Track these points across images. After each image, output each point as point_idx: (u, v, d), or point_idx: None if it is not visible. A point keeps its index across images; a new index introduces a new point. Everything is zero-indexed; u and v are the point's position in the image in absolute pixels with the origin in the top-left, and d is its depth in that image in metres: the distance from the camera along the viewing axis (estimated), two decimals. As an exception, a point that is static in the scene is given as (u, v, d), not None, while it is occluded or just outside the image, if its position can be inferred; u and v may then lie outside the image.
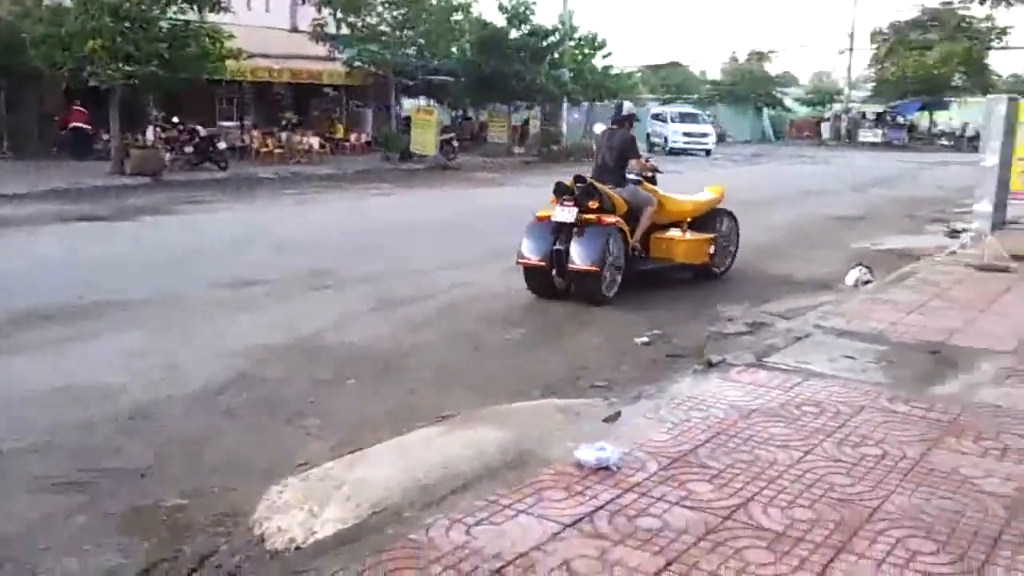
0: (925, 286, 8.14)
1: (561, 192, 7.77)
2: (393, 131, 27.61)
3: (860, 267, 8.95)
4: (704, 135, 35.96)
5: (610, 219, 7.72)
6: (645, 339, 6.56)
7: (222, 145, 21.53)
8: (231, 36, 21.55)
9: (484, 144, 32.06)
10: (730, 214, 9.26)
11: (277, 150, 24.07)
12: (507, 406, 4.86)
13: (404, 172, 23.76)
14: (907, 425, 4.43)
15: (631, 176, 8.47)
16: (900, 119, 47.22)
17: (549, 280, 7.84)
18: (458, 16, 28.79)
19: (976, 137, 42.79)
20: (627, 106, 9.02)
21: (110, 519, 3.64)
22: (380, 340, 6.48)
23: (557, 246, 7.63)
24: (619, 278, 7.81)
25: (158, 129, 21.51)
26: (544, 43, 30.19)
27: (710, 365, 5.48)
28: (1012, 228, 10.78)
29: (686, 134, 35.87)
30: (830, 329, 6.47)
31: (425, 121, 26.89)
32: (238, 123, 26.70)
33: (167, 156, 20.22)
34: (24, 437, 4.48)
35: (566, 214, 7.60)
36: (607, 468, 3.81)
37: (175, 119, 21.87)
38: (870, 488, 3.68)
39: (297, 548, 3.33)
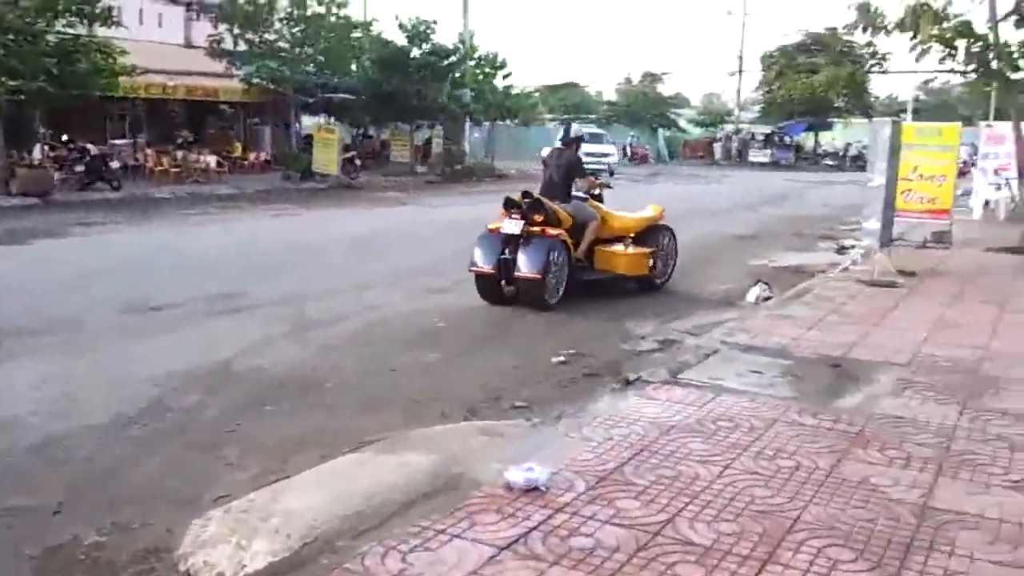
0: (821, 302, 8.52)
1: (510, 206, 8.45)
2: (293, 149, 27.21)
3: (760, 284, 9.30)
4: (604, 155, 35.57)
5: (554, 231, 8.36)
6: (561, 358, 6.65)
7: (115, 164, 20.77)
8: (123, 52, 20.91)
9: (387, 163, 31.94)
10: (669, 230, 9.94)
11: (173, 169, 23.36)
12: (432, 429, 4.86)
13: (306, 191, 23.44)
14: (817, 437, 4.64)
15: (577, 193, 9.14)
16: (787, 139, 49.27)
17: (498, 287, 8.47)
18: (358, 34, 28.67)
19: (858, 157, 45.07)
20: (575, 128, 9.94)
21: (23, 561, 3.48)
22: (296, 365, 6.38)
23: (505, 255, 8.25)
24: (562, 286, 8.43)
25: (46, 147, 20.60)
26: (445, 62, 30.32)
27: (627, 383, 5.60)
28: (898, 245, 11.39)
29: (587, 154, 35.76)
30: (736, 345, 6.71)
31: (327, 140, 26.59)
32: (131, 141, 25.82)
33: (56, 175, 19.39)
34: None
35: (513, 226, 8.28)
36: (537, 489, 3.86)
37: (64, 137, 21.03)
38: (788, 499, 3.84)
39: (227, 583, 3.26)
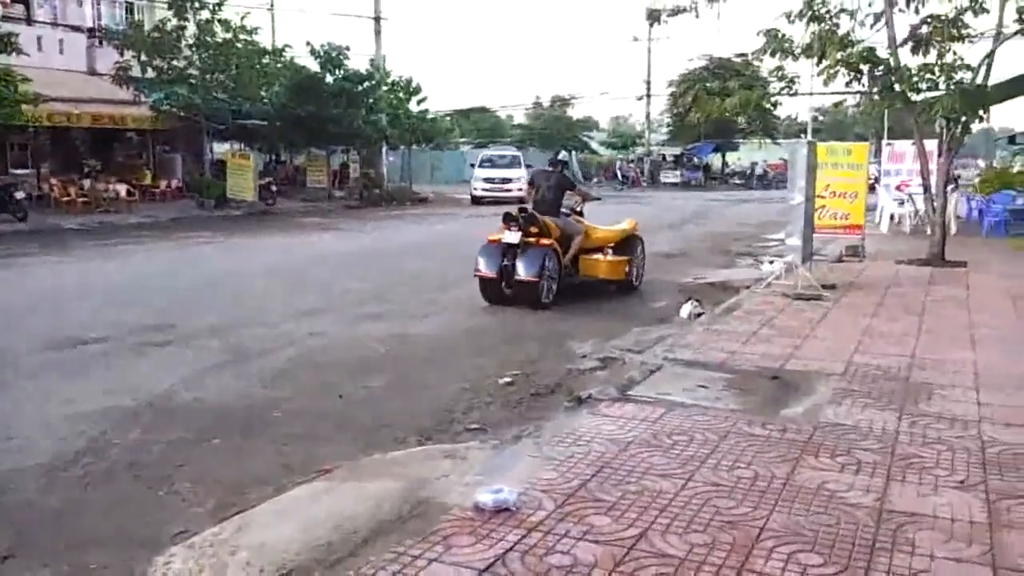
0: (752, 316, 8.77)
1: (508, 220, 9.85)
2: (206, 176, 26.64)
3: (692, 301, 9.52)
4: (506, 180, 32.56)
5: (547, 241, 9.76)
6: (507, 379, 6.67)
7: (19, 195, 19.96)
8: (25, 79, 20.19)
9: (303, 188, 31.54)
10: (641, 240, 11.45)
11: (80, 199, 22.61)
12: (391, 455, 4.82)
13: (222, 219, 22.97)
14: (769, 447, 4.76)
15: (564, 210, 10.56)
16: (696, 160, 50.67)
17: (499, 289, 9.74)
18: (268, 60, 28.33)
19: (763, 176, 46.61)
20: (562, 154, 12.05)
21: (-23, 610, 3.30)
22: (239, 396, 6.23)
23: (505, 262, 9.62)
24: (554, 288, 9.79)
25: (-56, 178, 19.74)
26: (360, 88, 30.23)
27: (579, 401, 5.66)
28: (817, 259, 11.82)
29: (486, 180, 32.78)
30: (679, 360, 6.84)
31: (241, 166, 26.16)
32: (34, 171, 24.88)
33: (-45, 208, 18.56)
34: None
35: (512, 236, 9.66)
36: (507, 509, 3.86)
37: (-37, 167, 20.15)
38: (752, 508, 3.93)
39: (202, 621, 3.16)
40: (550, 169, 10.89)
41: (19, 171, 24.77)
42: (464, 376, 6.84)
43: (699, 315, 9.10)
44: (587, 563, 3.38)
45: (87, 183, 23.35)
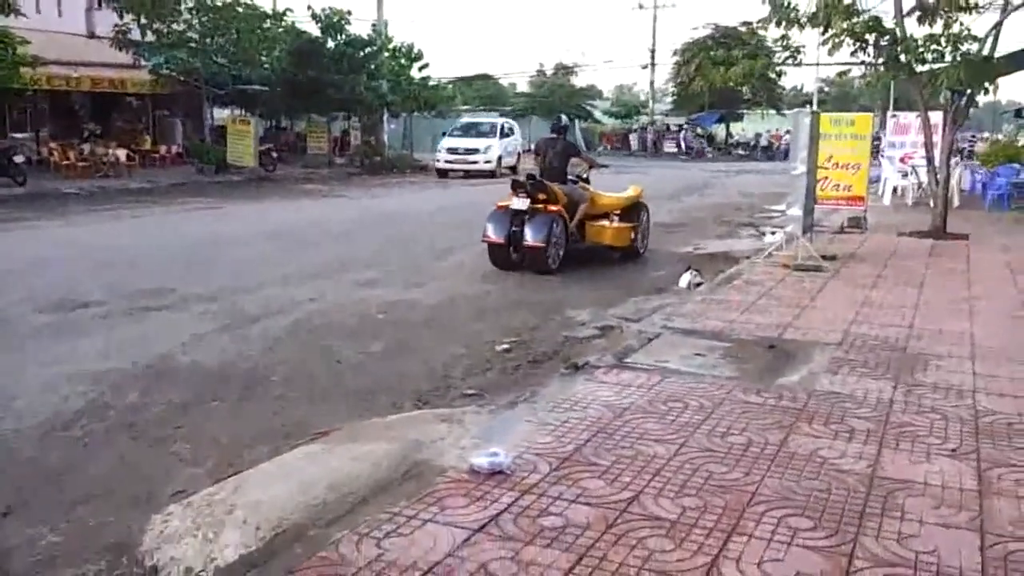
0: (751, 286, 8.77)
1: (517, 187, 9.98)
2: (206, 142, 26.53)
3: (691, 270, 9.51)
4: (472, 151, 28.60)
5: (554, 208, 9.92)
6: (505, 346, 6.69)
7: (18, 159, 19.88)
8: (24, 41, 20.03)
9: (304, 155, 31.41)
10: (646, 207, 11.52)
11: (80, 163, 22.51)
12: (388, 418, 4.84)
13: (223, 184, 22.90)
14: (763, 414, 4.79)
15: (571, 178, 10.70)
16: (700, 130, 50.39)
17: (507, 255, 9.92)
18: (269, 24, 28.10)
19: (768, 147, 46.36)
20: (563, 119, 11.74)
21: (-23, 565, 3.34)
22: (238, 359, 6.26)
23: (513, 228, 9.74)
24: (561, 254, 9.94)
25: (-58, 142, 19.67)
26: (361, 53, 29.98)
27: (576, 368, 5.68)
28: (818, 230, 11.81)
29: (450, 150, 28.91)
30: (677, 329, 6.86)
31: (242, 132, 26.03)
32: (33, 135, 24.77)
33: (-45, 170, 18.51)
34: None
35: (520, 203, 9.78)
36: (501, 472, 3.89)
37: (-38, 130, 20.06)
38: (744, 474, 3.96)
39: (198, 576, 3.20)
40: (555, 136, 10.92)
41: (18, 135, 24.68)
42: (462, 342, 6.87)
43: (698, 285, 9.11)
44: (580, 524, 3.41)
45: (86, 147, 23.24)
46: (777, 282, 9.00)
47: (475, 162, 28.38)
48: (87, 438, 4.67)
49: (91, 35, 27.64)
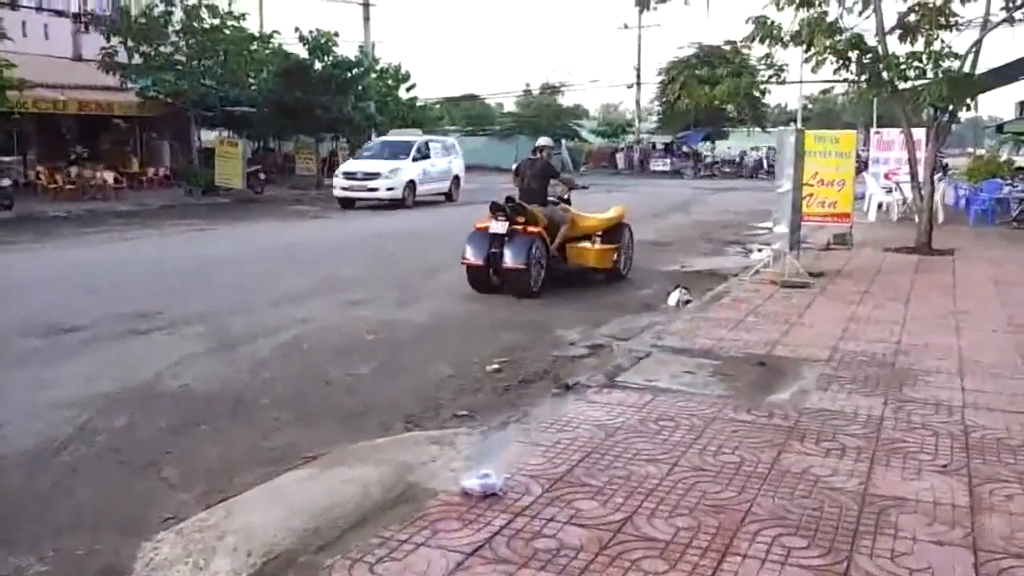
0: (739, 303, 8.80)
1: (495, 209, 9.79)
2: (194, 164, 26.50)
3: (680, 288, 9.53)
4: (371, 176, 23.03)
5: (534, 229, 9.72)
6: (495, 366, 6.68)
7: (4, 182, 19.79)
8: (10, 64, 20.00)
9: (292, 176, 31.40)
10: (629, 227, 11.33)
11: (68, 186, 22.44)
12: (378, 441, 4.82)
13: (211, 206, 22.85)
14: (755, 432, 4.79)
15: (551, 198, 10.56)
16: (686, 148, 50.66)
17: (487, 277, 9.75)
18: (256, 47, 28.16)
19: (759, 166, 46.57)
20: (541, 140, 11.43)
21: (-37, 596, 3.30)
22: (226, 382, 6.23)
23: (493, 250, 9.58)
24: (542, 276, 9.79)
25: (-72, 166, 19.58)
26: (348, 74, 30.06)
27: (567, 388, 5.67)
28: (804, 247, 11.86)
29: (347, 174, 23.70)
30: (666, 347, 6.86)
31: (230, 153, 26.02)
32: (19, 158, 24.68)
33: (-59, 195, 18.41)
34: None
35: (499, 226, 9.63)
36: (494, 494, 3.87)
37: (-53, 154, 19.98)
38: (737, 493, 3.96)
39: (189, 605, 3.17)
40: (534, 157, 10.80)
41: (5, 158, 24.57)
42: (451, 362, 6.85)
43: (687, 303, 9.13)
44: (573, 547, 3.40)
45: (74, 170, 23.18)
46: (765, 299, 9.03)
47: (374, 189, 22.82)
48: (75, 464, 4.62)
49: (78, 58, 27.63)
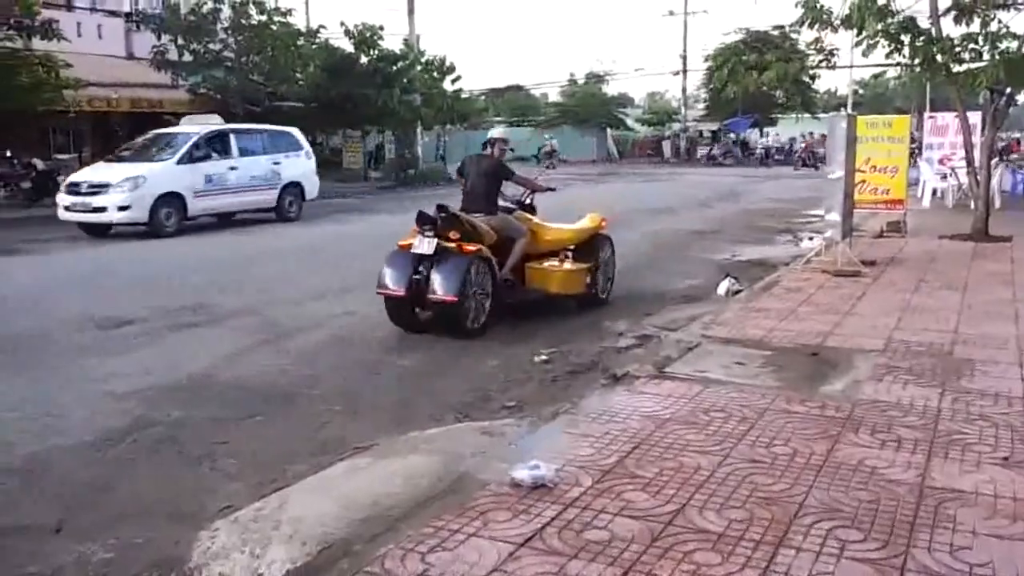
0: (790, 293, 8.68)
1: (423, 221, 7.41)
2: (244, 159, 26.83)
3: (729, 278, 9.43)
4: (97, 189, 15.37)
5: (472, 248, 7.40)
6: (544, 357, 6.68)
7: (62, 179, 20.24)
8: (66, 64, 20.47)
9: (339, 170, 31.68)
10: (609, 240, 9.07)
11: (122, 182, 22.85)
12: (427, 432, 4.85)
13: (259, 201, 23.08)
14: (807, 424, 4.73)
15: (505, 204, 8.43)
16: (733, 136, 50.05)
17: (411, 312, 7.52)
18: (303, 42, 28.46)
19: (813, 156, 45.83)
20: (493, 131, 8.95)
21: (32, 581, 3.40)
22: (276, 374, 6.32)
23: (417, 276, 7.28)
24: (486, 308, 7.48)
25: (-12, 164, 20.13)
26: (394, 68, 30.20)
27: (615, 378, 5.65)
28: (856, 235, 11.66)
29: (71, 188, 15.91)
30: (716, 338, 6.80)
31: (277, 148, 26.20)
32: (75, 155, 25.22)
33: (1, 192, 18.88)
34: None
35: (425, 245, 7.31)
36: (544, 485, 3.88)
37: (8, 153, 20.48)
38: (790, 485, 3.91)
39: (245, 593, 3.22)
40: (483, 153, 8.51)
41: (61, 156, 25.11)
42: (499, 354, 6.86)
43: (737, 292, 9.03)
44: (624, 538, 3.39)
45: (127, 167, 23.61)
46: (816, 288, 8.89)
47: (101, 208, 15.21)
48: (133, 454, 4.73)
49: (130, 56, 28.17)
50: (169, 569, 3.42)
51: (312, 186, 19.09)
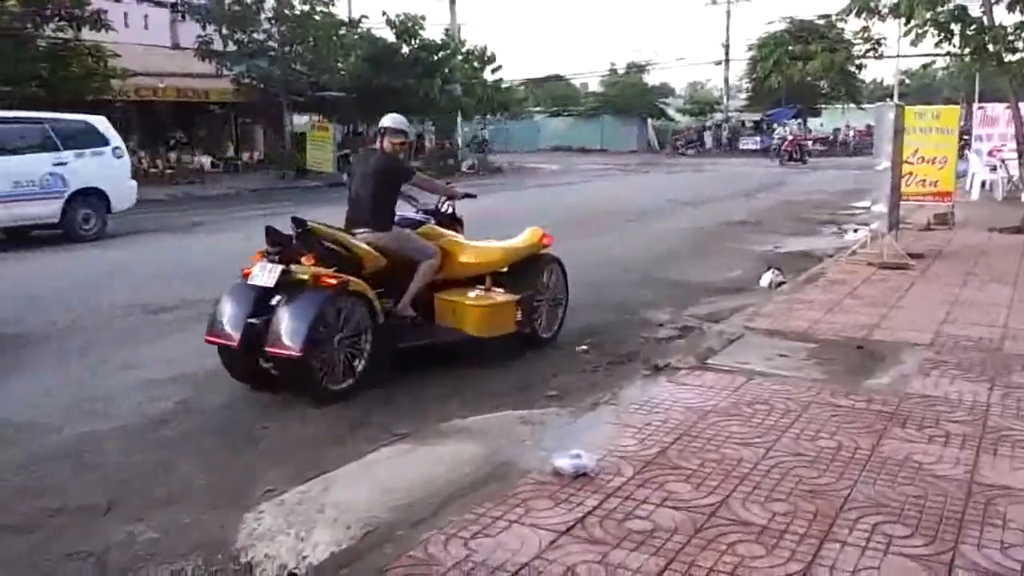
0: (835, 285, 8.56)
1: (273, 241, 5.56)
2: (286, 148, 27.14)
3: (772, 270, 9.33)
4: None
5: (331, 280, 5.39)
6: (584, 347, 6.66)
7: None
8: (114, 55, 20.82)
9: (379, 159, 31.85)
10: (555, 262, 7.05)
11: (167, 171, 23.28)
12: (468, 420, 4.87)
13: (303, 190, 23.37)
14: (853, 417, 4.67)
15: (409, 214, 6.62)
16: (776, 126, 49.37)
17: (252, 363, 5.46)
18: (345, 32, 28.63)
19: (847, 142, 45.16)
20: (387, 119, 6.39)
21: (82, 560, 3.47)
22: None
23: (253, 319, 5.35)
24: (359, 365, 5.51)
25: (39, 152, 20.44)
26: (435, 57, 30.28)
27: (657, 369, 5.63)
28: (903, 227, 11.46)
29: None
30: (759, 330, 6.73)
31: (321, 138, 26.58)
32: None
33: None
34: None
35: (266, 274, 5.41)
36: (585, 475, 3.87)
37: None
38: (836, 479, 3.86)
39: (291, 575, 3.27)
40: (373, 147, 6.55)
41: (108, 144, 25.58)
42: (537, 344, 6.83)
43: (780, 284, 8.93)
44: (667, 528, 3.38)
45: (172, 155, 24.03)
46: (862, 281, 8.76)
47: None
48: (179, 438, 4.81)
49: (175, 46, 28.56)
50: (215, 550, 3.48)
51: (122, 194, 14.15)
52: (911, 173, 12.54)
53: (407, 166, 6.50)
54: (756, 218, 15.91)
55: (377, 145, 6.39)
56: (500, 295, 6.43)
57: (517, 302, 6.44)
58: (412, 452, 4.37)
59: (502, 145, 45.54)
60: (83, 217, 13.48)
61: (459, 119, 33.64)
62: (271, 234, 5.57)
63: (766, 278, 9.11)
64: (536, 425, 4.66)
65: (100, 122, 14.32)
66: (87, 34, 20.50)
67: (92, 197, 13.58)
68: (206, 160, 24.59)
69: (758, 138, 47.86)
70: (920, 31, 12.58)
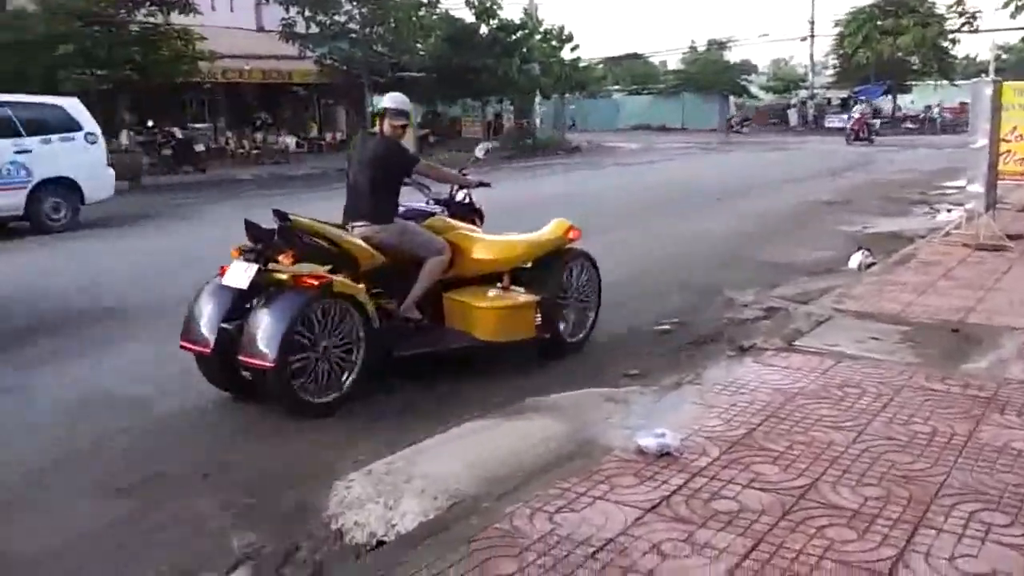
0: (928, 267, 8.29)
1: (253, 237, 5.02)
2: (369, 128, 27.49)
3: (862, 251, 9.07)
4: None
5: (311, 280, 4.83)
6: (665, 327, 6.61)
7: (199, 147, 21.31)
8: (202, 38, 21.38)
9: (459, 139, 32.04)
10: (584, 256, 6.26)
11: (253, 151, 23.86)
12: (552, 397, 4.87)
13: (383, 169, 23.63)
14: (948, 402, 4.53)
15: (417, 205, 6.03)
16: (855, 104, 47.80)
17: (229, 371, 4.96)
18: (424, 12, 28.80)
19: (940, 120, 43.46)
20: (387, 98, 5.71)
21: (181, 520, 3.62)
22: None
23: (226, 324, 4.89)
24: (349, 378, 4.97)
25: (131, 133, 21.22)
26: (513, 37, 30.25)
27: (742, 350, 5.55)
28: (1002, 208, 11.01)
29: None
30: (848, 311, 6.57)
31: (400, 118, 26.77)
32: (210, 125, 26.40)
33: (145, 160, 19.98)
34: (69, 446, 4.44)
35: (239, 274, 4.88)
36: (669, 454, 3.85)
37: (150, 123, 21.62)
38: (930, 464, 3.76)
39: (379, 542, 3.34)
40: (372, 131, 5.77)
41: (197, 125, 26.34)
42: (620, 323, 6.79)
43: (870, 265, 8.69)
44: (754, 509, 3.34)
45: (258, 136, 24.60)
46: (957, 263, 8.46)
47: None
48: (268, 412, 4.91)
49: (260, 29, 29.14)
50: (307, 517, 3.59)
51: (97, 184, 13.18)
52: (1009, 151, 11.95)
53: (410, 153, 5.76)
54: (844, 197, 15.47)
55: (376, 128, 5.65)
56: (518, 295, 5.78)
57: (537, 303, 5.73)
58: (496, 427, 4.41)
59: (580, 124, 45.27)
60: (52, 207, 12.45)
61: (537, 98, 33.56)
62: (251, 229, 5.03)
63: (855, 259, 8.87)
64: (620, 403, 4.64)
65: (72, 105, 13.13)
66: (176, 18, 21.12)
67: (62, 188, 12.55)
68: (291, 140, 25.10)
69: (845, 116, 46.38)
70: (1020, 3, 12.03)
